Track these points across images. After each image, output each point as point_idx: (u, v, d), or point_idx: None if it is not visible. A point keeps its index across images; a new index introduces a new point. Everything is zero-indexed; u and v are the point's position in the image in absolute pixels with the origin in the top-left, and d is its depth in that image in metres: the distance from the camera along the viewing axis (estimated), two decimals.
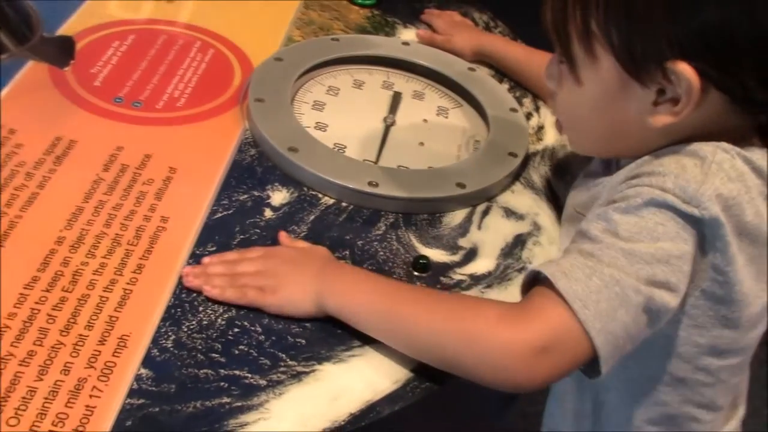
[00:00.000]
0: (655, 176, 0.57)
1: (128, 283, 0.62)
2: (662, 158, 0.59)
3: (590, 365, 0.55)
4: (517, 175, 0.81)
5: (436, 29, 0.98)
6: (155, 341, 0.59)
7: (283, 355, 0.60)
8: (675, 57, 0.55)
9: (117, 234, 0.66)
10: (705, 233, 0.56)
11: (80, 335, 0.57)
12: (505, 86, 0.94)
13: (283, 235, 0.69)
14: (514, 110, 0.88)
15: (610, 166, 0.68)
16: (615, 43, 0.57)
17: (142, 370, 0.57)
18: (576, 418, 0.74)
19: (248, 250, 0.66)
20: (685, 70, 0.55)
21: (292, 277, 0.62)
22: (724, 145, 0.57)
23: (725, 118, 0.58)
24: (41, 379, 0.54)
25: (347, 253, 0.69)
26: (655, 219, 0.55)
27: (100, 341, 0.57)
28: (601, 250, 0.55)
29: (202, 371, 0.57)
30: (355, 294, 0.61)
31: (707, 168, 0.56)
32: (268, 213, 0.71)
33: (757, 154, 0.58)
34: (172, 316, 0.61)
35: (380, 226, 0.73)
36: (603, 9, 0.57)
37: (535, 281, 0.58)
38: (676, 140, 0.60)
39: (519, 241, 0.74)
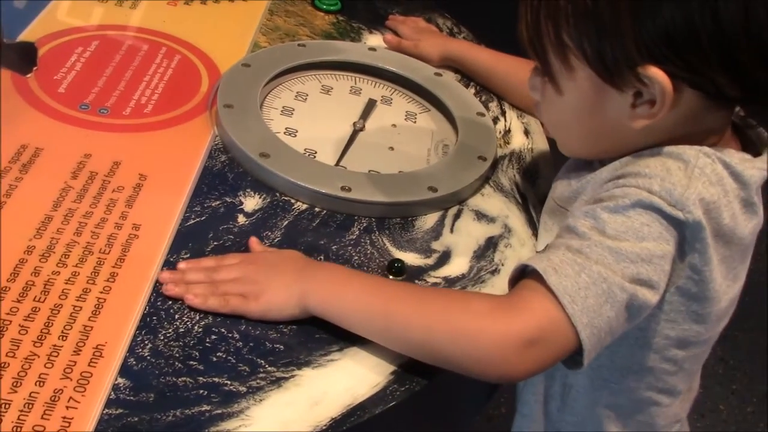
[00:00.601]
0: (642, 178, 0.58)
1: (102, 292, 0.61)
2: (647, 159, 0.61)
3: (571, 357, 0.57)
4: (486, 179, 0.82)
5: (402, 35, 0.99)
6: (132, 350, 0.58)
7: (262, 361, 0.59)
8: (645, 61, 0.57)
9: (88, 242, 0.64)
10: (686, 235, 0.58)
11: (54, 345, 0.56)
12: (472, 91, 0.95)
13: (253, 241, 0.68)
14: (481, 114, 0.89)
15: (591, 161, 0.69)
16: (588, 53, 0.59)
17: (120, 380, 0.56)
18: (545, 400, 0.76)
19: (225, 256, 0.65)
20: (656, 74, 0.57)
21: (273, 282, 0.62)
22: (706, 149, 0.60)
23: (704, 114, 0.60)
24: (15, 391, 0.53)
25: (322, 257, 0.69)
26: (641, 219, 0.57)
27: (75, 351, 0.56)
28: (589, 247, 0.57)
29: (180, 379, 0.57)
30: (340, 293, 0.61)
31: (690, 172, 0.58)
32: (241, 219, 0.71)
33: (734, 158, 0.60)
34: (147, 325, 0.60)
35: (354, 231, 0.73)
36: (573, 22, 0.59)
37: (523, 274, 0.59)
38: (659, 138, 0.62)
39: (491, 244, 0.75)
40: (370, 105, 0.88)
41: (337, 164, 0.79)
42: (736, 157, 0.60)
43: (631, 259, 0.56)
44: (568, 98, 0.64)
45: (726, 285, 0.63)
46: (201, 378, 0.57)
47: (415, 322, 0.58)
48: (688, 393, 0.75)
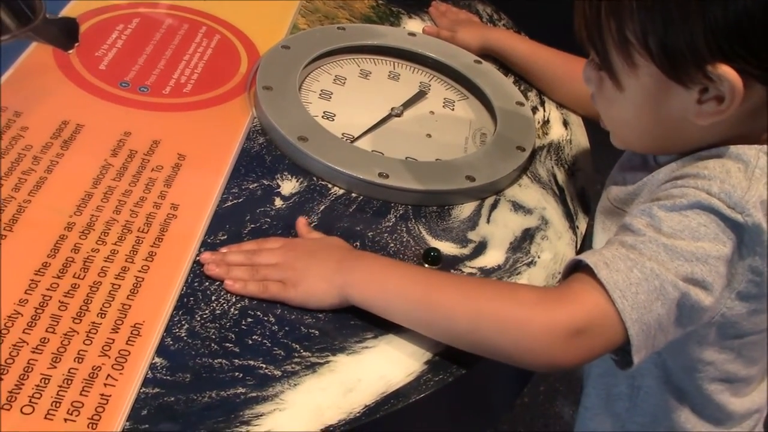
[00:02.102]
0: (701, 179, 0.57)
1: (140, 271, 0.61)
2: (706, 161, 0.59)
3: (622, 357, 0.56)
4: (524, 169, 0.81)
5: (441, 27, 0.98)
6: (169, 330, 0.58)
7: (297, 346, 0.59)
8: (715, 59, 0.55)
9: (127, 221, 0.65)
10: (744, 238, 0.57)
11: (93, 323, 0.57)
12: (511, 79, 0.94)
13: (301, 222, 0.68)
14: (520, 104, 0.88)
15: (646, 159, 0.68)
16: (653, 50, 0.58)
17: (157, 359, 0.56)
18: (609, 399, 0.76)
19: (266, 240, 0.65)
20: (726, 72, 0.55)
21: (313, 270, 0.62)
22: (766, 148, 0.58)
23: (766, 108, 0.59)
24: (54, 367, 0.53)
25: (358, 244, 0.69)
26: (699, 220, 0.56)
27: (113, 329, 0.57)
28: (643, 243, 0.56)
29: (216, 361, 0.57)
30: (383, 283, 0.61)
31: (751, 173, 0.57)
32: (278, 202, 0.71)
33: None
34: (185, 305, 0.60)
35: (390, 218, 0.73)
36: (637, 17, 0.57)
37: (575, 269, 0.58)
38: (721, 133, 0.60)
39: (527, 235, 0.74)
40: (418, 96, 0.87)
41: (353, 141, 0.78)
42: None
43: (686, 257, 0.55)
44: (629, 94, 0.62)
45: None
46: (237, 360, 0.57)
47: (460, 310, 0.58)
48: (759, 382, 0.73)
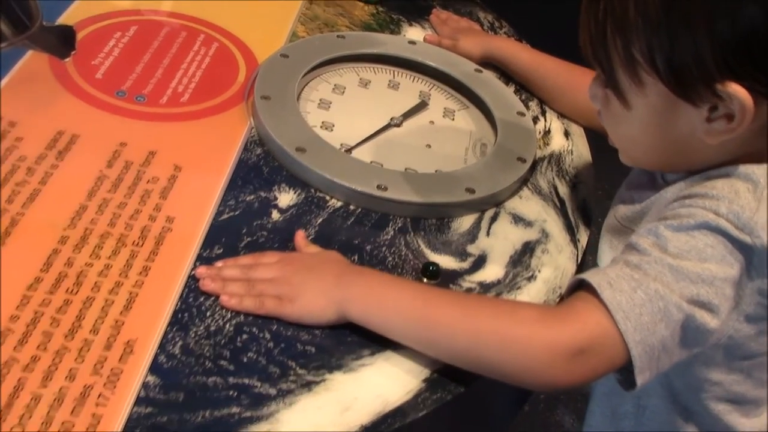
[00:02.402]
0: (709, 199, 0.57)
1: (134, 286, 0.60)
2: (714, 180, 0.59)
3: (626, 377, 0.56)
4: (525, 181, 0.80)
5: (443, 36, 0.97)
6: (162, 347, 0.57)
7: (293, 364, 0.59)
8: (723, 77, 0.54)
9: (122, 234, 0.64)
10: (753, 260, 0.56)
11: (85, 340, 0.56)
12: (512, 88, 0.93)
13: (299, 236, 0.67)
14: (521, 114, 0.87)
15: (653, 177, 0.67)
16: (660, 68, 0.56)
17: (150, 377, 0.55)
18: (615, 418, 0.75)
19: (263, 254, 0.64)
20: (736, 90, 0.54)
21: (310, 285, 0.61)
22: None
23: None
24: (45, 386, 0.52)
25: (356, 258, 0.68)
26: (706, 240, 0.55)
27: (106, 346, 0.56)
28: (648, 263, 0.55)
29: (210, 379, 0.56)
30: (381, 299, 0.60)
31: (760, 194, 0.56)
32: (275, 215, 0.70)
33: None
34: (179, 321, 0.59)
35: (389, 231, 0.72)
36: (644, 35, 0.56)
37: (578, 288, 0.58)
38: (730, 152, 0.59)
39: (527, 249, 0.73)
40: (420, 107, 0.86)
41: (349, 150, 0.77)
42: None
43: (692, 278, 0.54)
44: (637, 113, 0.61)
45: None
46: (231, 378, 0.56)
47: (460, 328, 0.57)
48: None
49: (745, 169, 0.58)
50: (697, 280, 0.54)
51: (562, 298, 0.69)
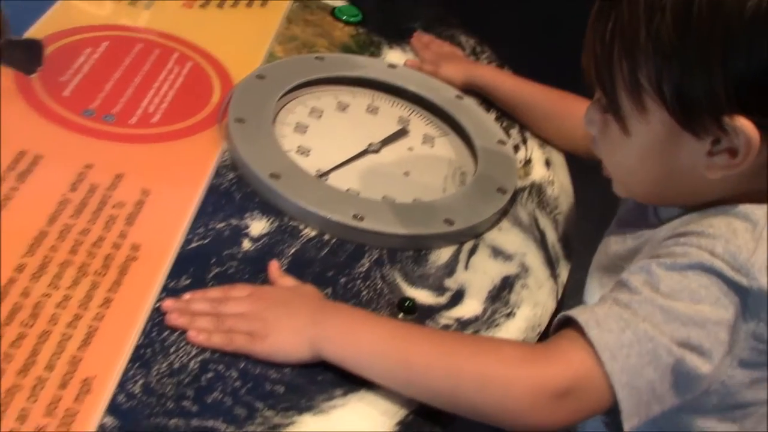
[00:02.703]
0: (705, 238, 0.54)
1: (94, 319, 0.57)
2: (711, 218, 0.56)
3: (613, 419, 0.54)
4: (505, 212, 0.78)
5: (423, 60, 0.95)
6: (122, 385, 0.54)
7: (260, 405, 0.56)
8: (733, 110, 0.53)
9: (83, 263, 0.61)
10: (748, 303, 0.54)
11: (39, 377, 0.53)
12: (493, 115, 0.91)
13: (273, 267, 0.65)
14: (502, 142, 0.85)
15: (646, 214, 0.65)
16: (667, 97, 0.54)
17: (107, 419, 0.52)
18: None
19: (233, 287, 0.62)
20: (743, 125, 0.53)
21: (284, 321, 0.58)
22: None
23: None
24: None
25: (329, 291, 0.66)
26: (699, 281, 0.53)
27: (61, 385, 0.53)
28: (638, 302, 0.53)
29: (172, 421, 0.53)
30: (357, 338, 0.58)
31: (758, 234, 0.54)
32: (246, 244, 0.67)
33: None
34: (141, 357, 0.56)
35: (364, 263, 0.69)
36: (653, 61, 0.54)
37: (564, 325, 0.56)
38: (728, 187, 0.57)
39: (507, 284, 0.71)
40: (400, 134, 0.84)
41: (322, 176, 0.75)
42: None
43: (683, 320, 0.52)
44: (637, 140, 0.59)
45: None
46: (194, 420, 0.53)
47: (439, 368, 0.55)
48: None
49: (744, 208, 0.56)
50: (688, 322, 0.52)
51: (544, 336, 0.67)
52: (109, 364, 0.55)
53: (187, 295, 0.61)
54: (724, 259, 0.53)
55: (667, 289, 0.53)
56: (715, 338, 0.53)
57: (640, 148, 0.59)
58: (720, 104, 0.53)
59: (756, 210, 0.56)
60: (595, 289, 0.69)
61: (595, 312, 0.54)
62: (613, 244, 0.67)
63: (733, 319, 0.54)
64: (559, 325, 0.57)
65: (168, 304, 0.59)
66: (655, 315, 0.53)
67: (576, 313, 0.54)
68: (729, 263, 0.53)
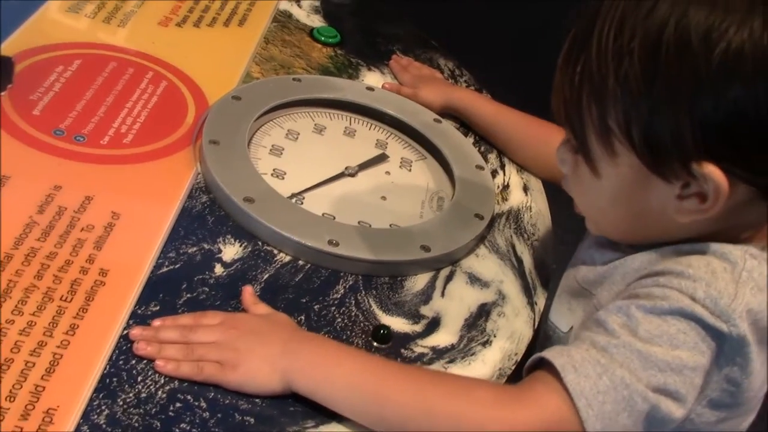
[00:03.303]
0: (685, 279, 0.54)
1: (59, 347, 0.55)
2: (689, 257, 0.56)
3: None
4: (482, 238, 0.78)
5: (402, 83, 0.94)
6: (86, 416, 0.52)
7: None
8: (701, 157, 0.52)
9: (49, 288, 0.59)
10: (725, 348, 0.54)
11: None
12: (471, 140, 0.90)
13: (247, 292, 0.63)
14: (480, 167, 0.84)
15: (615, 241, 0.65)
16: (635, 141, 0.54)
17: None
18: None
19: (204, 314, 0.60)
20: (712, 172, 0.52)
21: (255, 351, 0.57)
22: (752, 250, 0.55)
23: (749, 208, 0.56)
24: None
25: (303, 318, 0.64)
26: (679, 326, 0.53)
27: (22, 416, 0.51)
28: (616, 347, 0.53)
29: None
30: (330, 371, 0.56)
31: (738, 275, 0.54)
32: (218, 269, 0.66)
33: None
34: (106, 387, 0.55)
35: (339, 289, 0.68)
36: (621, 106, 0.53)
37: (539, 364, 0.55)
38: (699, 229, 0.57)
39: (483, 312, 0.70)
40: (380, 158, 0.83)
41: (293, 196, 0.74)
42: None
43: (660, 367, 0.52)
44: (607, 182, 0.58)
45: (762, 381, 0.59)
46: None
47: (412, 407, 0.54)
48: None
49: (721, 248, 0.56)
50: (665, 368, 0.52)
51: (520, 365, 0.66)
52: (73, 393, 0.53)
53: (156, 322, 0.59)
54: (704, 304, 0.53)
55: (646, 334, 0.53)
56: (690, 384, 0.53)
57: (610, 190, 0.59)
58: (687, 150, 0.52)
59: (734, 250, 0.55)
60: (564, 312, 0.68)
61: (572, 356, 0.53)
62: (583, 268, 0.66)
63: (708, 364, 0.54)
64: (534, 364, 0.56)
65: (136, 332, 0.58)
66: (632, 361, 0.52)
67: (552, 355, 0.53)
68: (709, 309, 0.53)
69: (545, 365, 0.54)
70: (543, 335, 0.71)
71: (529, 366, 0.56)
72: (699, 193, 0.54)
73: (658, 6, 0.52)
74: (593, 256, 0.66)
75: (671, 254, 0.58)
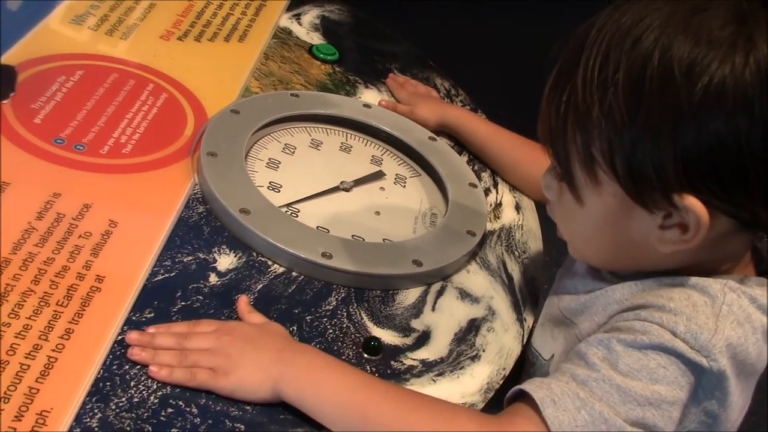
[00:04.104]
0: (666, 313, 0.54)
1: (54, 350, 0.56)
2: (670, 290, 0.57)
3: None
4: (473, 255, 0.79)
5: (400, 100, 0.96)
6: (79, 419, 0.53)
7: None
8: (682, 188, 0.53)
9: (46, 292, 0.60)
10: (702, 381, 0.54)
11: None
12: (465, 158, 0.92)
13: (242, 301, 0.64)
14: (473, 185, 0.86)
15: (600, 270, 0.65)
16: (619, 171, 0.55)
17: None
18: None
19: (199, 323, 0.61)
20: (693, 204, 0.53)
21: (247, 359, 0.58)
22: (731, 283, 0.56)
23: (730, 238, 0.57)
24: None
25: (295, 328, 0.65)
26: (659, 361, 0.53)
27: (16, 417, 0.51)
28: (596, 380, 0.53)
29: None
30: (319, 384, 0.57)
31: (718, 309, 0.54)
32: (213, 278, 0.67)
33: (756, 290, 0.57)
34: (99, 391, 0.55)
35: (331, 301, 0.69)
36: (605, 135, 0.54)
37: (520, 395, 0.55)
38: (681, 259, 0.58)
39: (473, 326, 0.71)
40: (377, 175, 0.84)
41: (286, 206, 0.75)
42: (758, 291, 0.57)
43: (639, 401, 0.52)
44: (590, 210, 0.59)
45: (740, 412, 0.59)
46: None
47: (396, 428, 0.55)
48: None
49: (701, 282, 0.56)
50: (644, 402, 0.52)
51: (508, 381, 0.67)
52: (66, 396, 0.54)
53: (151, 329, 0.60)
54: (685, 339, 0.53)
55: (626, 368, 0.53)
56: (669, 418, 0.53)
57: (593, 218, 0.59)
58: (669, 181, 0.53)
59: (713, 284, 0.56)
60: (547, 341, 0.69)
61: (552, 390, 0.53)
62: (566, 297, 0.67)
63: (686, 398, 0.54)
64: (515, 396, 0.56)
65: (132, 337, 0.59)
66: (611, 395, 0.52)
67: (532, 388, 0.54)
68: (689, 343, 0.53)
69: (525, 397, 0.54)
70: (527, 362, 0.72)
71: (509, 398, 0.57)
72: (681, 224, 0.55)
73: (643, 38, 0.53)
74: (576, 286, 0.67)
75: (652, 287, 0.58)
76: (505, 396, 0.64)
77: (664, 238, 0.56)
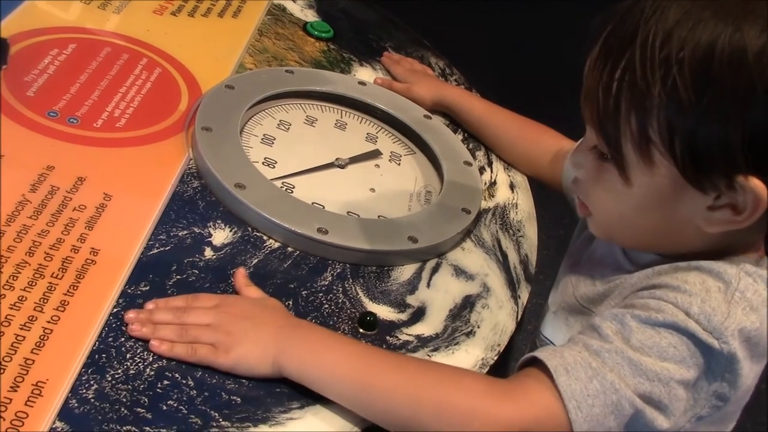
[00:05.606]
0: (681, 294, 0.54)
1: (49, 322, 0.56)
2: (685, 273, 0.56)
3: None
4: (468, 232, 0.79)
5: (396, 77, 0.96)
6: (75, 390, 0.53)
7: (216, 414, 0.55)
8: (748, 171, 0.52)
9: (40, 264, 0.59)
10: (712, 363, 0.54)
11: None
12: (460, 137, 0.92)
13: (240, 274, 0.64)
14: (468, 163, 0.86)
15: (615, 256, 0.65)
16: (677, 152, 0.53)
17: (58, 424, 0.51)
18: None
19: (198, 297, 0.61)
20: (756, 185, 0.52)
21: (248, 335, 0.58)
22: (747, 267, 0.56)
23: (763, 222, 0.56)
24: None
25: (290, 303, 0.65)
26: (670, 339, 0.53)
27: (12, 387, 0.51)
28: (608, 351, 0.53)
29: (125, 428, 0.52)
30: (320, 357, 0.57)
31: (731, 296, 0.54)
32: (208, 252, 0.67)
33: None
34: (95, 362, 0.55)
35: (326, 276, 0.69)
36: (665, 116, 0.52)
37: (531, 362, 0.56)
38: (719, 241, 0.57)
39: (468, 303, 0.72)
40: (373, 154, 0.84)
41: (280, 179, 0.75)
42: None
43: (648, 376, 0.53)
44: (637, 191, 0.57)
45: (747, 391, 0.59)
46: (147, 428, 0.52)
47: (399, 394, 0.55)
48: None
49: (717, 266, 0.56)
50: (653, 378, 0.53)
51: (502, 357, 0.67)
52: (62, 368, 0.54)
53: (150, 305, 0.60)
54: (698, 320, 0.53)
55: (638, 343, 0.53)
56: (674, 396, 0.54)
57: (639, 198, 0.57)
58: (735, 162, 0.52)
59: (728, 268, 0.55)
60: (561, 327, 0.69)
61: (565, 358, 0.54)
62: (582, 286, 0.67)
63: (693, 379, 0.54)
64: (526, 362, 0.56)
65: (130, 315, 0.59)
66: (623, 367, 0.53)
67: (545, 356, 0.54)
68: (702, 324, 0.53)
69: (537, 364, 0.55)
70: (533, 348, 0.72)
71: (520, 365, 0.57)
72: (731, 205, 0.54)
73: (707, 19, 0.51)
74: (593, 274, 0.67)
75: (668, 270, 0.58)
76: (498, 372, 0.64)
77: (712, 218, 0.55)
